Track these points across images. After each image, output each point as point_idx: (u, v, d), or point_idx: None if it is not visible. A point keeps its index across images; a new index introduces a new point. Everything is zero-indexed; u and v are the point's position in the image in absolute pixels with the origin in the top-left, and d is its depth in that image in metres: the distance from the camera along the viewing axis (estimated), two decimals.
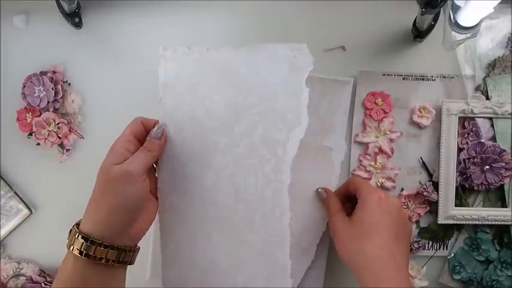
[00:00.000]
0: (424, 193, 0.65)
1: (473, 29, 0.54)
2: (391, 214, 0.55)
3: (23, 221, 0.66)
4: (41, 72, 0.65)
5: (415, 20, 0.64)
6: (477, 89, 0.65)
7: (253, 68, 0.56)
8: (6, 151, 0.66)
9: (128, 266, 0.53)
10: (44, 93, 0.64)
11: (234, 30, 0.67)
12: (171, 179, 0.56)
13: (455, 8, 0.53)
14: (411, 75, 0.65)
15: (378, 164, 0.65)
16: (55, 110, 0.65)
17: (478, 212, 0.64)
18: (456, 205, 0.65)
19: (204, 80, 0.56)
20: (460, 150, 0.65)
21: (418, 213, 0.66)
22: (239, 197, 0.56)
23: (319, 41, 0.66)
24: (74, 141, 0.66)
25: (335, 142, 0.65)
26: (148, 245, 0.64)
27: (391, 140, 0.65)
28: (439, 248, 0.67)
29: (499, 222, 0.64)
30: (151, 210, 0.55)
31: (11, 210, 0.66)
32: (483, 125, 0.65)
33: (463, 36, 0.56)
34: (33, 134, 0.65)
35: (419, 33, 0.64)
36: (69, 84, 0.66)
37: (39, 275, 0.66)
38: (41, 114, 0.65)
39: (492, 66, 0.65)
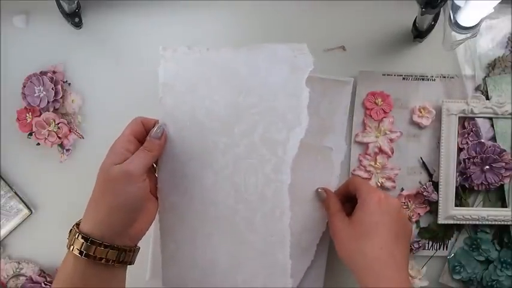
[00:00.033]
0: (424, 193, 0.65)
1: (473, 29, 0.54)
2: (391, 214, 0.55)
3: (23, 221, 0.66)
4: (41, 72, 0.65)
5: (415, 20, 0.64)
6: (477, 89, 0.65)
7: (253, 68, 0.56)
8: (6, 151, 0.66)
9: (128, 266, 0.53)
10: (44, 93, 0.64)
11: (234, 30, 0.67)
12: (171, 179, 0.56)
13: (455, 8, 0.53)
14: (411, 75, 0.65)
15: (378, 164, 0.65)
16: (55, 110, 0.65)
17: (478, 212, 0.64)
18: (456, 205, 0.65)
19: (204, 80, 0.56)
20: (460, 150, 0.65)
21: (418, 213, 0.66)
22: (239, 197, 0.56)
23: (319, 41, 0.66)
24: (74, 141, 0.66)
25: (335, 142, 0.65)
26: (148, 245, 0.64)
27: (391, 140, 0.65)
28: (439, 248, 0.67)
29: (499, 222, 0.64)
30: (152, 210, 0.55)
31: (11, 210, 0.66)
32: (483, 125, 0.65)
33: (463, 36, 0.56)
34: (33, 134, 0.65)
35: (419, 33, 0.64)
36: (69, 84, 0.66)
37: (39, 275, 0.66)
38: (41, 114, 0.65)
39: (492, 66, 0.65)
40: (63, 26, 0.66)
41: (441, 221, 0.65)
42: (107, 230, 0.50)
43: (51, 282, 0.65)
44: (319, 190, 0.62)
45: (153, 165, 0.55)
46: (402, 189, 0.66)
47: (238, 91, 0.56)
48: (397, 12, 0.66)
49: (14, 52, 0.66)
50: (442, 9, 0.57)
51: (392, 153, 0.65)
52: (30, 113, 0.65)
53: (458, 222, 0.65)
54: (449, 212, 0.64)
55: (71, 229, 0.52)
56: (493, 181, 0.64)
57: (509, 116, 0.64)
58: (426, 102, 0.65)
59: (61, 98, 0.65)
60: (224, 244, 0.57)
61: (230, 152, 0.56)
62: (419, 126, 0.65)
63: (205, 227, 0.57)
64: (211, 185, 0.56)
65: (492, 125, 0.65)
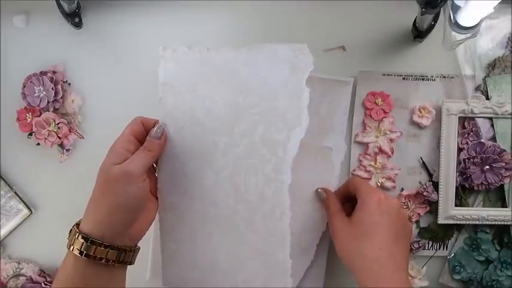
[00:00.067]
0: (424, 193, 0.65)
1: (473, 29, 0.54)
2: (390, 215, 0.55)
3: (23, 221, 0.66)
4: (41, 72, 0.65)
5: (415, 20, 0.64)
6: (477, 89, 0.65)
7: (253, 68, 0.56)
8: (6, 151, 0.66)
9: (128, 266, 0.53)
10: (44, 93, 0.64)
11: (234, 30, 0.67)
12: (171, 179, 0.56)
13: (455, 8, 0.53)
14: (411, 75, 0.65)
15: (378, 164, 0.65)
16: (55, 110, 0.65)
17: (478, 212, 0.64)
18: (456, 205, 0.65)
19: (204, 79, 0.56)
20: (460, 150, 0.65)
21: (418, 213, 0.66)
22: (239, 197, 0.56)
23: (319, 41, 0.66)
24: (74, 141, 0.66)
25: (335, 142, 0.65)
26: (148, 245, 0.64)
27: (391, 140, 0.65)
28: (439, 248, 0.67)
29: (499, 222, 0.64)
30: (152, 210, 0.55)
31: (11, 210, 0.66)
32: (483, 125, 0.65)
33: (463, 36, 0.56)
34: (33, 134, 0.65)
35: (419, 33, 0.64)
36: (69, 84, 0.66)
37: (39, 275, 0.66)
38: (41, 114, 0.65)
39: (492, 66, 0.65)
40: (63, 26, 0.66)
41: (441, 221, 0.65)
42: (107, 230, 0.50)
43: (51, 282, 0.65)
44: (319, 190, 0.62)
45: (153, 165, 0.55)
46: (402, 189, 0.66)
47: (238, 91, 0.56)
48: (397, 12, 0.66)
49: (14, 52, 0.66)
50: (442, 9, 0.57)
51: (392, 153, 0.65)
52: (30, 113, 0.65)
53: (458, 222, 0.65)
54: (449, 212, 0.64)
55: (71, 229, 0.52)
56: (493, 181, 0.64)
57: (509, 116, 0.64)
58: (426, 102, 0.65)
59: (61, 98, 0.65)
60: (224, 244, 0.57)
61: (230, 152, 0.56)
62: (419, 126, 0.65)
63: (205, 227, 0.57)
64: (211, 185, 0.56)
65: (492, 125, 0.65)
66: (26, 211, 0.66)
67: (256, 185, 0.56)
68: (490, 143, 0.64)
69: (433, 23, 0.63)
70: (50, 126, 0.65)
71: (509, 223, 0.65)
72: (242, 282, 0.58)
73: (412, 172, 0.66)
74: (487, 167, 0.64)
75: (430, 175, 0.66)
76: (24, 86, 0.65)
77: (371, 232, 0.54)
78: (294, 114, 0.55)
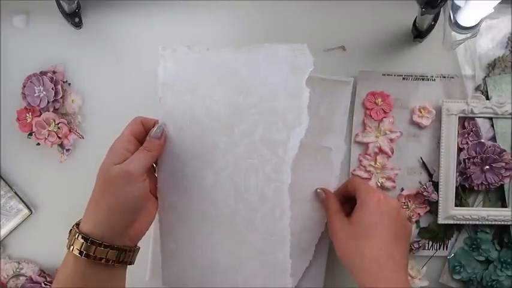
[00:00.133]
0: (424, 193, 0.65)
1: (473, 29, 0.54)
2: (390, 215, 0.55)
3: (23, 221, 0.66)
4: (41, 72, 0.65)
5: (415, 20, 0.64)
6: (477, 89, 0.65)
7: (253, 68, 0.56)
8: (6, 151, 0.66)
9: (128, 266, 0.53)
10: (44, 93, 0.64)
11: (234, 30, 0.67)
12: (171, 179, 0.56)
13: (455, 8, 0.53)
14: (411, 75, 0.65)
15: (378, 164, 0.65)
16: (55, 110, 0.65)
17: (478, 212, 0.64)
18: (456, 205, 0.65)
19: (204, 79, 0.56)
20: (460, 150, 0.65)
21: (418, 213, 0.66)
22: (239, 197, 0.56)
23: (320, 41, 0.66)
24: (74, 141, 0.66)
25: (334, 142, 0.65)
26: (148, 245, 0.64)
27: (391, 140, 0.65)
28: (439, 248, 0.67)
29: (499, 222, 0.64)
30: (151, 210, 0.55)
31: (11, 210, 0.66)
32: (483, 125, 0.65)
33: (463, 36, 0.56)
34: (33, 134, 0.65)
35: (419, 33, 0.64)
36: (69, 84, 0.66)
37: (39, 275, 0.66)
38: (41, 114, 0.65)
39: (492, 66, 0.65)
40: (63, 26, 0.66)
41: (441, 221, 0.65)
42: (107, 230, 0.50)
43: (51, 282, 0.66)
44: (318, 190, 0.62)
45: (153, 165, 0.55)
46: (402, 189, 0.66)
47: (238, 91, 0.56)
48: (397, 12, 0.66)
49: (14, 52, 0.66)
50: (442, 9, 0.57)
51: (392, 153, 0.65)
52: (30, 113, 0.65)
53: (458, 222, 0.65)
54: (449, 212, 0.64)
55: (71, 229, 0.52)
56: (493, 181, 0.64)
57: (509, 116, 0.64)
58: (426, 102, 0.65)
59: (61, 98, 0.65)
60: (224, 244, 0.57)
61: (230, 152, 0.56)
62: (419, 126, 0.65)
63: (205, 227, 0.57)
64: (211, 184, 0.56)
65: (492, 125, 0.65)
66: (26, 211, 0.66)
67: (256, 185, 0.56)
68: (490, 143, 0.64)
69: (433, 23, 0.63)
70: (50, 126, 0.65)
71: (509, 223, 0.64)
72: (242, 282, 0.58)
73: (412, 172, 0.66)
74: (487, 167, 0.64)
75: (430, 175, 0.66)
76: (24, 86, 0.65)
77: (370, 232, 0.54)
78: (294, 114, 0.55)
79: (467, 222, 0.65)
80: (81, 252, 0.49)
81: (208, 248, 0.57)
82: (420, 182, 0.66)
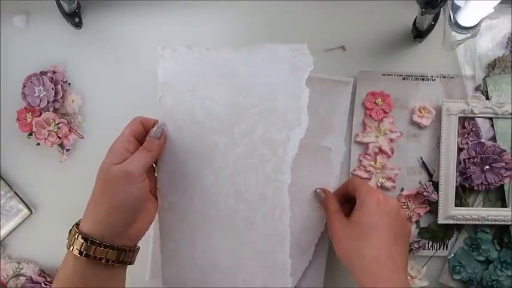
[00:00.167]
0: (424, 193, 0.65)
1: (473, 29, 0.54)
2: (390, 215, 0.55)
3: (23, 221, 0.66)
4: (41, 72, 0.65)
5: (415, 20, 0.64)
6: (477, 89, 0.65)
7: (253, 68, 0.56)
8: (6, 151, 0.66)
9: (128, 266, 0.53)
10: (44, 93, 0.64)
11: (234, 30, 0.67)
12: (171, 179, 0.56)
13: (455, 8, 0.53)
14: (411, 75, 0.65)
15: (378, 164, 0.65)
16: (55, 110, 0.65)
17: (478, 212, 0.64)
18: (456, 205, 0.65)
19: (203, 79, 0.56)
20: (460, 150, 0.65)
21: (418, 213, 0.66)
22: (239, 197, 0.56)
23: (320, 41, 0.66)
24: (74, 141, 0.66)
25: (334, 142, 0.65)
26: (148, 245, 0.64)
27: (391, 140, 0.65)
28: (439, 248, 0.67)
29: (499, 222, 0.64)
30: (151, 210, 0.55)
31: (11, 210, 0.66)
32: (483, 125, 0.65)
33: (463, 36, 0.56)
34: (33, 134, 0.65)
35: (419, 33, 0.64)
36: (69, 84, 0.66)
37: (39, 275, 0.66)
38: (41, 114, 0.65)
39: (492, 66, 0.65)
40: (63, 26, 0.66)
41: (441, 221, 0.65)
42: (107, 230, 0.50)
43: (51, 282, 0.66)
44: (318, 190, 0.62)
45: (152, 165, 0.55)
46: (402, 189, 0.66)
47: (238, 91, 0.56)
48: (397, 12, 0.66)
49: (14, 52, 0.66)
50: (442, 9, 0.57)
51: (392, 153, 0.65)
52: (30, 113, 0.65)
53: (458, 222, 0.65)
54: (449, 212, 0.64)
55: (71, 229, 0.52)
56: (493, 181, 0.64)
57: (509, 116, 0.64)
58: (426, 102, 0.65)
59: (61, 98, 0.65)
60: (224, 244, 0.57)
61: (230, 151, 0.56)
62: (419, 126, 0.65)
63: (205, 227, 0.57)
64: (211, 184, 0.56)
65: (492, 125, 0.65)
66: (26, 211, 0.66)
67: (256, 184, 0.56)
68: (490, 143, 0.64)
69: (433, 23, 0.63)
70: (50, 126, 0.65)
71: (509, 223, 0.64)
72: (242, 282, 0.58)
73: (412, 172, 0.66)
74: (487, 167, 0.64)
75: (430, 175, 0.66)
76: (24, 86, 0.65)
77: (370, 232, 0.54)
78: (294, 114, 0.55)
79: (467, 222, 0.65)
80: (81, 252, 0.49)
81: (208, 248, 0.57)
82: (420, 182, 0.66)
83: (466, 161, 0.64)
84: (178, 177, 0.56)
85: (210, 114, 0.56)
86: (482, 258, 0.65)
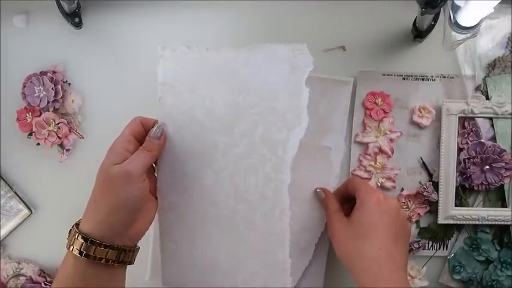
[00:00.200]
0: (424, 193, 0.65)
1: (473, 29, 0.54)
2: (390, 215, 0.55)
3: (23, 221, 0.66)
4: (41, 72, 0.65)
5: (415, 20, 0.64)
6: (477, 89, 0.65)
7: (253, 68, 0.56)
8: (6, 151, 0.66)
9: (128, 266, 0.53)
10: (44, 93, 0.64)
11: (234, 30, 0.67)
12: (171, 179, 0.56)
13: (455, 8, 0.53)
14: (411, 75, 0.65)
15: (378, 164, 0.65)
16: (55, 110, 0.65)
17: (478, 212, 0.64)
18: (456, 205, 0.65)
19: (203, 79, 0.56)
20: (460, 150, 0.65)
21: (418, 213, 0.66)
22: (239, 197, 0.56)
23: (319, 41, 0.66)
24: (74, 141, 0.66)
25: (334, 142, 0.65)
26: (148, 245, 0.64)
27: (391, 140, 0.65)
28: (439, 248, 0.67)
29: (499, 222, 0.64)
30: (151, 210, 0.55)
31: (11, 210, 0.66)
32: (483, 125, 0.65)
33: (463, 36, 0.56)
34: (33, 134, 0.65)
35: (419, 33, 0.64)
36: (69, 84, 0.66)
37: (39, 275, 0.66)
38: (41, 114, 0.65)
39: (492, 66, 0.65)
40: (63, 26, 0.66)
41: (441, 221, 0.65)
42: (107, 230, 0.50)
43: (51, 282, 0.66)
44: (318, 190, 0.62)
45: (152, 165, 0.55)
46: (402, 189, 0.66)
47: (238, 91, 0.56)
48: (397, 12, 0.66)
49: (14, 52, 0.66)
50: (442, 9, 0.57)
51: (392, 153, 0.65)
52: (30, 113, 0.65)
53: (458, 222, 0.65)
54: (449, 212, 0.64)
55: (71, 229, 0.52)
56: (493, 181, 0.64)
57: (509, 116, 0.64)
58: (426, 102, 0.65)
59: (61, 98, 0.65)
60: (224, 244, 0.57)
61: (230, 151, 0.56)
62: (419, 126, 0.65)
63: (205, 227, 0.57)
64: (211, 184, 0.56)
65: (492, 125, 0.65)
66: (26, 211, 0.66)
67: (256, 184, 0.56)
68: (490, 143, 0.64)
69: (433, 23, 0.63)
70: (50, 126, 0.65)
71: (509, 223, 0.64)
72: (242, 281, 0.58)
73: (412, 172, 0.66)
74: (487, 167, 0.64)
75: (430, 175, 0.66)
76: (24, 86, 0.65)
77: (370, 232, 0.54)
78: (294, 114, 0.55)
79: (467, 222, 0.65)
80: (81, 252, 0.49)
81: (208, 248, 0.57)
82: (420, 182, 0.66)
83: (466, 161, 0.64)
84: (178, 177, 0.56)
85: (210, 114, 0.56)
86: (482, 258, 0.65)
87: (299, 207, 0.61)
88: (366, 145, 0.66)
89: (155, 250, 0.64)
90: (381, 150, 0.65)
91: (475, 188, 0.64)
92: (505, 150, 0.64)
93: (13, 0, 0.66)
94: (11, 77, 0.66)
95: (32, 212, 0.66)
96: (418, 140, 0.66)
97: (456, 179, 0.64)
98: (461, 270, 0.66)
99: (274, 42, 0.56)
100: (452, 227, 0.66)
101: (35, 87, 0.64)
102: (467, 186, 0.65)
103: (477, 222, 0.65)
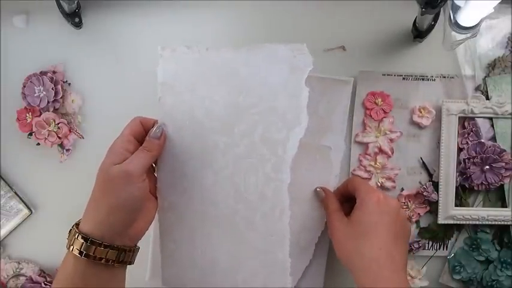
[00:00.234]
0: (424, 193, 0.65)
1: (473, 29, 0.54)
2: (390, 215, 0.55)
3: (23, 221, 0.66)
4: (41, 72, 0.65)
5: (415, 20, 0.64)
6: (477, 89, 0.65)
7: (253, 68, 0.56)
8: (6, 151, 0.66)
9: (128, 266, 0.53)
10: (44, 93, 0.64)
11: (234, 30, 0.67)
12: (171, 179, 0.56)
13: (455, 8, 0.53)
14: (411, 75, 0.65)
15: (378, 164, 0.65)
16: (55, 110, 0.65)
17: (478, 212, 0.64)
18: (456, 205, 0.65)
19: (203, 79, 0.56)
20: (460, 150, 0.65)
21: (418, 213, 0.66)
22: (239, 197, 0.56)
23: (319, 41, 0.66)
24: (74, 141, 0.66)
25: (334, 141, 0.65)
26: (148, 245, 0.64)
27: (391, 140, 0.65)
28: (439, 248, 0.67)
29: (499, 222, 0.64)
30: (151, 210, 0.55)
31: (11, 210, 0.66)
32: (483, 125, 0.65)
33: (463, 36, 0.56)
34: (33, 134, 0.65)
35: (419, 33, 0.64)
36: (69, 84, 0.66)
37: (39, 275, 0.66)
38: (41, 114, 0.65)
39: (492, 66, 0.65)
40: (63, 26, 0.66)
41: (441, 221, 0.65)
42: (107, 230, 0.50)
43: (51, 282, 0.66)
44: (318, 189, 0.62)
45: (152, 165, 0.55)
46: (402, 189, 0.66)
47: (238, 91, 0.56)
48: (397, 12, 0.66)
49: (14, 52, 0.66)
50: (442, 9, 0.57)
51: (392, 153, 0.65)
52: (30, 113, 0.65)
53: (458, 222, 0.65)
54: (449, 212, 0.64)
55: (71, 229, 0.52)
56: (493, 181, 0.64)
57: (509, 116, 0.64)
58: (426, 102, 0.65)
59: (61, 98, 0.65)
60: (224, 244, 0.57)
61: (230, 151, 0.56)
62: (419, 126, 0.65)
63: (204, 227, 0.57)
64: (211, 184, 0.56)
65: (492, 125, 0.65)
66: (26, 211, 0.66)
67: (256, 184, 0.56)
68: (490, 143, 0.64)
69: (433, 23, 0.63)
70: (50, 126, 0.65)
71: (509, 223, 0.64)
72: (242, 281, 0.58)
73: (412, 172, 0.66)
74: (487, 167, 0.64)
75: (430, 175, 0.66)
76: (24, 86, 0.65)
77: (370, 232, 0.54)
78: (294, 114, 0.55)
79: (467, 222, 0.65)
80: (81, 252, 0.49)
81: (208, 248, 0.57)
82: (420, 182, 0.66)
83: (466, 161, 0.64)
84: (178, 177, 0.56)
85: (209, 114, 0.56)
86: (482, 258, 0.65)
87: (299, 207, 0.61)
88: (366, 145, 0.66)
89: (155, 250, 0.64)
90: (381, 150, 0.65)
91: (475, 188, 0.64)
92: (505, 150, 0.64)
93: (13, 0, 0.66)
94: (11, 77, 0.66)
95: (32, 212, 0.66)
96: (418, 140, 0.66)
97: (456, 179, 0.64)
98: (461, 270, 0.66)
99: (274, 42, 0.56)
100: (452, 227, 0.66)
101: (35, 87, 0.64)
102: (467, 186, 0.65)
103: (477, 222, 0.65)
